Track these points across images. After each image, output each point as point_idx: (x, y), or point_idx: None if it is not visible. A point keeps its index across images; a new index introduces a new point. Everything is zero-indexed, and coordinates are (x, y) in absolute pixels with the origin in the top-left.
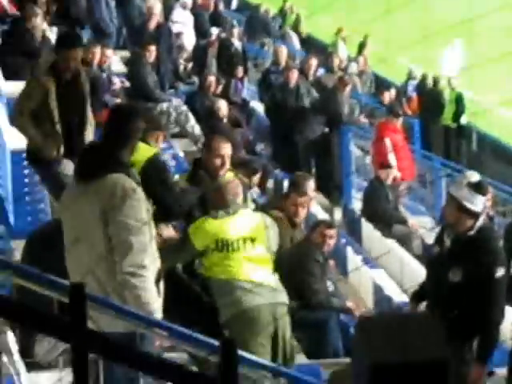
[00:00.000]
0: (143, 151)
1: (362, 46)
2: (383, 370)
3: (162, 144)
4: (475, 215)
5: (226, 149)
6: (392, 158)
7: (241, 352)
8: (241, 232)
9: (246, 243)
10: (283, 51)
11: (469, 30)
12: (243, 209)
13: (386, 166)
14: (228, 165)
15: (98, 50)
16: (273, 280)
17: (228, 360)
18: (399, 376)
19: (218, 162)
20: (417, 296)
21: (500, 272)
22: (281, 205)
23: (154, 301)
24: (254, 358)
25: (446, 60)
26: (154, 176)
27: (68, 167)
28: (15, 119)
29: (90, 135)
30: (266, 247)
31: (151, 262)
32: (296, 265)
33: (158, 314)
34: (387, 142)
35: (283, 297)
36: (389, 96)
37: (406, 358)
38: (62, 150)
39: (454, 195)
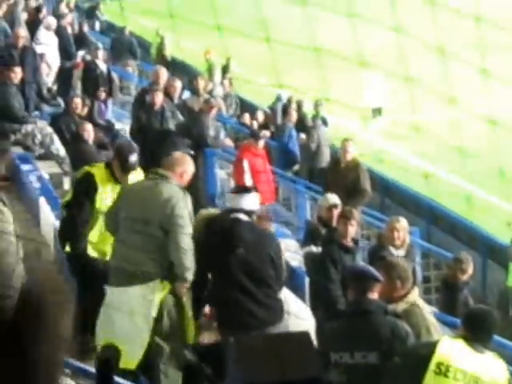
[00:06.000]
0: None
1: (225, 69)
2: None
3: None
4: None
5: None
6: (248, 179)
7: None
8: None
9: None
10: (163, 73)
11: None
12: None
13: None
14: None
15: None
16: None
17: None
18: None
19: None
20: None
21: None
22: None
23: None
24: None
25: None
26: None
27: None
28: None
29: None
30: None
31: None
32: None
33: None
34: (245, 163)
35: None
36: (249, 118)
37: (281, 377)
38: None
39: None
